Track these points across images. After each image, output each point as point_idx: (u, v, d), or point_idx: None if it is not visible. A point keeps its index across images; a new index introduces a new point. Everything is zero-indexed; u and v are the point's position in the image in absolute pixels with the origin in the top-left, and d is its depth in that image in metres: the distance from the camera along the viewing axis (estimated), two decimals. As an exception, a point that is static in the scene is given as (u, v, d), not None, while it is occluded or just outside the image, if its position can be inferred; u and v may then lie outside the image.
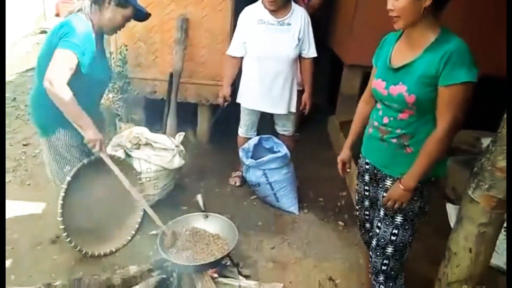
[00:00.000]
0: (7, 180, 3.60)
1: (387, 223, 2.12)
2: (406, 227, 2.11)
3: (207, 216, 2.83)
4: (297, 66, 3.52)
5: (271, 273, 2.85)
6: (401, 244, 2.13)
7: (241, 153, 3.52)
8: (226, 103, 3.56)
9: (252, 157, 3.48)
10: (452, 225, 2.31)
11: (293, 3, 3.37)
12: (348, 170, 2.47)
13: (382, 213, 2.14)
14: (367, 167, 2.25)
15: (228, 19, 4.06)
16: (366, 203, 2.35)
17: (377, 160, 2.17)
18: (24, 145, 4.30)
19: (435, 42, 1.86)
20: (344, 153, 2.43)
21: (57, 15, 10.21)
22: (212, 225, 2.81)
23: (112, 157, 2.84)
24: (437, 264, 2.26)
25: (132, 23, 2.75)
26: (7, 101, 5.25)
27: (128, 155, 3.17)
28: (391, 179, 2.10)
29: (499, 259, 2.82)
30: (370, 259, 2.27)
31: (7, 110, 5.03)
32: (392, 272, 2.21)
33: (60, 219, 2.55)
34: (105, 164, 2.72)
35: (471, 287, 2.09)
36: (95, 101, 2.82)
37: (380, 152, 2.13)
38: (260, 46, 3.31)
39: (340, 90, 4.79)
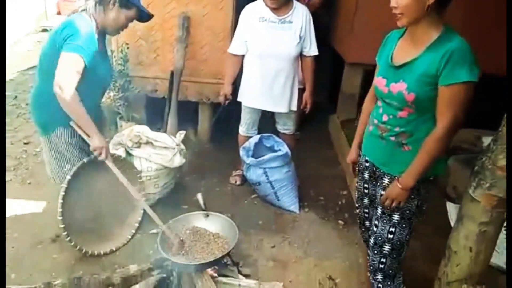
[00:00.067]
0: (7, 178, 3.60)
1: (385, 221, 2.13)
2: (403, 225, 2.10)
3: (207, 215, 2.83)
4: (298, 64, 3.51)
5: (271, 272, 2.85)
6: (398, 243, 2.13)
7: (241, 152, 3.52)
8: (227, 102, 3.56)
9: (252, 156, 3.47)
10: (452, 224, 2.31)
11: (294, 1, 3.36)
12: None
13: (379, 211, 2.14)
14: (367, 164, 2.25)
15: (229, 17, 4.05)
16: (366, 201, 2.35)
17: (376, 157, 2.17)
18: (25, 143, 4.31)
19: (437, 40, 1.86)
20: (352, 154, 2.44)
21: (59, 13, 10.21)
22: (213, 224, 2.81)
23: (112, 156, 2.85)
24: (437, 263, 2.27)
25: (134, 21, 2.75)
26: (8, 100, 5.25)
27: (128, 154, 3.17)
28: (389, 177, 2.10)
29: (499, 259, 2.82)
30: (368, 257, 2.28)
31: (8, 108, 5.04)
32: (390, 271, 2.21)
33: (60, 218, 2.55)
34: (105, 163, 2.72)
35: (471, 286, 2.09)
36: (96, 100, 2.82)
37: (379, 150, 2.13)
38: (262, 44, 3.31)
39: (341, 88, 4.78)
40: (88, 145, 2.71)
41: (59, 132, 2.62)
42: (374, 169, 2.19)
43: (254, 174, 3.44)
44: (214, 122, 4.56)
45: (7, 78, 5.96)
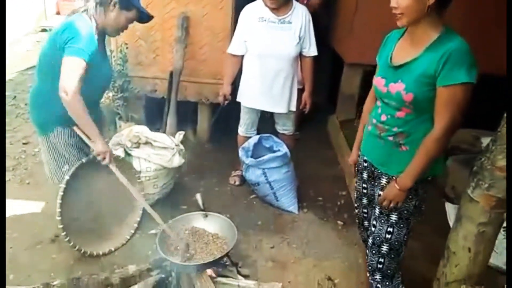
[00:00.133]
0: (6, 178, 3.60)
1: (382, 221, 2.13)
2: (401, 225, 2.11)
3: (206, 216, 2.83)
4: (298, 64, 3.51)
5: (270, 272, 2.85)
6: (396, 243, 2.13)
7: (240, 152, 3.52)
8: (226, 102, 3.56)
9: (252, 156, 3.47)
10: (451, 224, 2.31)
11: (294, 1, 3.36)
12: None
13: (377, 211, 2.14)
14: (365, 164, 2.25)
15: (228, 17, 4.05)
16: (364, 200, 2.35)
17: (374, 157, 2.18)
18: (24, 143, 4.30)
19: (436, 41, 1.86)
20: (354, 154, 2.44)
21: (58, 13, 10.21)
22: (212, 224, 2.81)
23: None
24: (436, 263, 2.27)
25: (133, 22, 2.75)
26: (7, 100, 5.25)
27: (127, 154, 3.17)
28: (387, 177, 2.10)
29: (498, 259, 2.82)
30: (367, 257, 2.28)
31: (7, 108, 5.03)
32: (389, 271, 2.21)
33: (59, 218, 2.55)
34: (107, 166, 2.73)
35: (470, 287, 2.09)
36: (96, 100, 2.82)
37: (377, 150, 2.14)
38: (261, 44, 3.31)
39: (340, 89, 4.78)
40: (87, 145, 2.71)
41: (57, 132, 2.62)
42: (373, 169, 2.19)
43: (253, 175, 3.44)
44: (213, 123, 4.56)
45: (6, 78, 5.95)
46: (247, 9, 3.38)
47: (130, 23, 2.66)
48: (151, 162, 3.16)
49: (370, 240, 2.21)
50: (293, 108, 3.54)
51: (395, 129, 2.02)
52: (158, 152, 3.21)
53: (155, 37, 4.15)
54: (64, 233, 2.59)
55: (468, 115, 2.30)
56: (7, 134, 4.35)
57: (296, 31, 3.30)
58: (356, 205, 2.47)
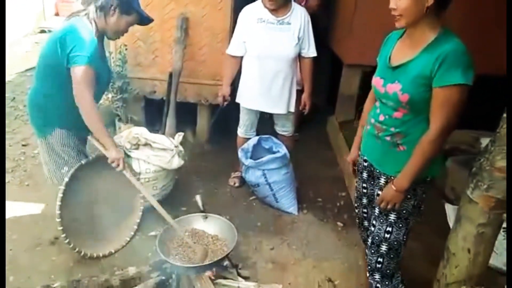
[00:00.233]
0: (6, 180, 3.59)
1: (382, 220, 2.14)
2: (400, 225, 2.11)
3: (206, 217, 2.83)
4: (297, 65, 3.52)
5: (270, 274, 2.84)
6: (395, 243, 2.14)
7: (240, 154, 3.52)
8: (225, 103, 3.56)
9: (251, 158, 3.47)
10: (451, 225, 2.31)
11: (293, 2, 3.36)
12: None
13: (377, 211, 2.15)
14: (365, 164, 2.26)
15: (228, 18, 4.05)
16: (364, 200, 2.36)
17: (373, 157, 2.19)
18: (23, 145, 4.30)
19: (433, 42, 1.86)
20: (353, 154, 2.46)
21: (57, 14, 10.21)
22: (211, 226, 2.81)
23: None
24: (436, 264, 2.27)
25: (133, 24, 2.76)
26: (6, 101, 5.24)
27: (127, 156, 3.15)
28: (385, 177, 2.11)
29: (497, 260, 2.82)
30: (366, 257, 2.28)
31: (6, 110, 5.02)
32: (388, 271, 2.22)
33: (59, 220, 2.55)
34: (103, 165, 2.72)
35: (470, 287, 2.09)
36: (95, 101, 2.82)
37: (376, 150, 2.15)
38: (260, 45, 3.31)
39: (340, 90, 4.78)
40: (85, 146, 2.72)
41: (56, 134, 2.62)
42: (372, 169, 2.20)
43: (253, 176, 3.44)
44: (212, 124, 4.56)
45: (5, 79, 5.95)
46: (246, 10, 3.38)
47: (131, 26, 2.66)
48: (150, 164, 3.16)
49: (370, 240, 2.22)
50: (292, 109, 3.55)
51: (392, 129, 2.03)
52: (157, 153, 3.21)
53: (154, 38, 4.15)
54: (63, 235, 2.59)
55: (467, 116, 2.31)
56: (6, 136, 4.34)
57: (295, 32, 3.30)
58: (356, 205, 2.48)
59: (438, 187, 3.70)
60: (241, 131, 3.69)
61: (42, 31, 9.08)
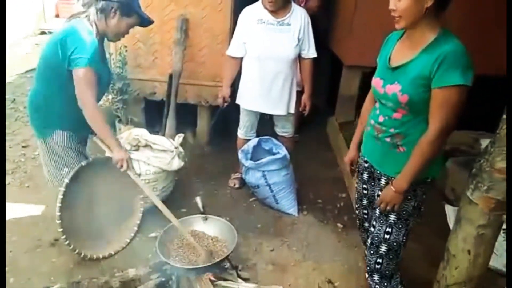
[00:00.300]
0: (6, 182, 3.59)
1: (381, 221, 2.14)
2: (400, 226, 2.11)
3: (206, 219, 2.83)
4: (297, 67, 3.52)
5: (270, 275, 2.84)
6: (394, 243, 2.14)
7: (240, 155, 3.52)
8: (225, 104, 3.56)
9: (251, 159, 3.47)
10: (451, 226, 2.31)
11: (293, 3, 3.37)
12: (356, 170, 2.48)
13: (377, 211, 2.16)
14: (366, 165, 2.26)
15: (228, 19, 4.06)
16: (365, 201, 2.36)
17: (373, 158, 2.19)
18: (23, 147, 4.30)
19: (432, 43, 1.87)
20: (351, 153, 2.46)
21: (57, 15, 10.22)
22: (211, 227, 2.81)
23: (110, 159, 2.84)
24: (436, 265, 2.27)
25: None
26: (6, 103, 5.24)
27: (127, 157, 3.16)
28: (385, 178, 2.11)
29: (498, 261, 2.82)
30: (365, 257, 2.28)
31: (6, 111, 5.02)
32: (387, 272, 2.22)
33: (59, 221, 2.54)
34: (104, 166, 2.73)
35: (470, 289, 2.09)
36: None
37: (376, 151, 2.15)
38: (260, 46, 3.31)
39: (340, 91, 4.78)
40: (85, 148, 2.72)
41: (56, 135, 2.62)
42: (372, 170, 2.21)
43: (253, 177, 3.44)
44: (212, 125, 4.56)
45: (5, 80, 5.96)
46: (246, 11, 3.38)
47: (131, 28, 2.67)
48: (150, 165, 3.16)
49: (369, 240, 2.23)
50: (292, 110, 3.55)
51: (392, 130, 2.03)
52: (157, 155, 3.21)
53: (154, 40, 4.15)
54: (63, 236, 2.58)
55: (467, 117, 2.31)
56: (6, 137, 4.34)
57: (295, 33, 3.30)
58: (356, 206, 2.48)
59: (438, 188, 3.70)
60: (241, 133, 3.69)
61: (42, 33, 9.10)
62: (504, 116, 1.87)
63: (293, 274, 2.87)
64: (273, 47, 3.29)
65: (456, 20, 2.44)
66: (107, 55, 3.30)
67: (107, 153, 2.70)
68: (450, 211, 3.45)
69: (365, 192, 2.33)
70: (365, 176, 2.29)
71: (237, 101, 3.58)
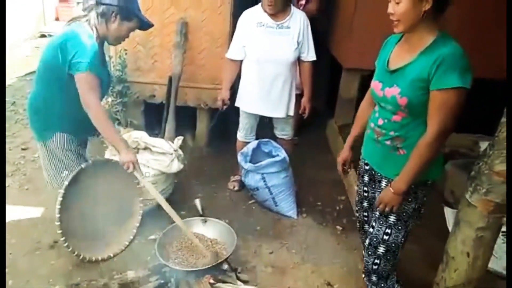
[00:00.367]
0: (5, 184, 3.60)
1: (381, 222, 2.14)
2: (399, 227, 2.12)
3: (205, 221, 2.84)
4: (296, 69, 3.52)
5: (269, 278, 2.84)
6: (393, 245, 2.15)
7: (239, 157, 3.52)
8: (224, 107, 3.56)
9: (250, 161, 3.47)
10: (450, 228, 2.31)
11: (292, 7, 3.38)
12: (348, 170, 2.49)
13: (377, 213, 2.16)
14: (367, 168, 2.27)
15: (227, 23, 4.06)
16: (365, 204, 2.37)
17: (374, 161, 2.20)
18: (23, 149, 4.30)
19: (430, 45, 1.87)
20: (344, 153, 2.46)
21: (57, 19, 10.24)
22: (211, 229, 2.82)
23: (110, 161, 2.85)
24: (436, 267, 2.28)
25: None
26: (6, 105, 5.24)
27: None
28: (386, 180, 2.12)
29: (497, 264, 2.82)
30: (363, 258, 2.29)
31: (6, 114, 5.02)
32: (384, 272, 2.23)
33: (58, 223, 2.54)
34: (103, 169, 2.73)
35: (469, 291, 2.10)
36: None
37: (376, 153, 2.16)
38: (260, 49, 3.32)
39: (339, 93, 4.79)
40: (85, 150, 2.72)
41: (56, 138, 2.63)
42: (373, 172, 2.21)
43: (252, 180, 3.44)
44: (212, 128, 4.56)
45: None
46: (246, 14, 3.39)
47: (132, 32, 2.67)
48: (149, 168, 3.16)
49: (367, 241, 2.23)
50: (292, 112, 3.55)
51: (391, 133, 2.03)
52: (156, 157, 3.21)
53: (154, 43, 4.15)
54: (63, 238, 2.58)
55: (467, 120, 2.32)
56: (6, 140, 4.34)
57: (294, 36, 3.31)
58: (357, 208, 2.48)
59: (437, 190, 3.70)
60: (240, 135, 3.69)
61: (42, 36, 9.11)
62: (503, 119, 1.88)
63: (292, 276, 2.87)
64: (273, 50, 3.30)
65: (455, 23, 2.44)
66: (107, 58, 3.31)
67: (107, 155, 2.69)
68: (449, 214, 3.45)
69: (365, 194, 2.34)
70: (366, 178, 2.29)
71: (236, 104, 3.58)
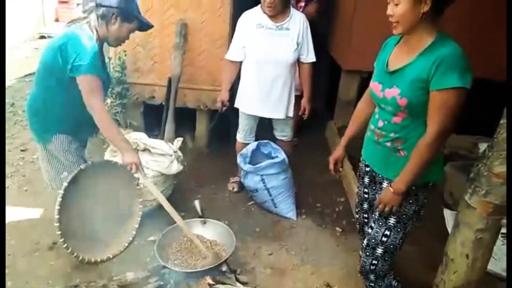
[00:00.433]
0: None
1: (380, 223, 2.15)
2: (398, 229, 2.12)
3: (204, 222, 2.84)
4: (296, 71, 3.53)
5: (269, 279, 2.84)
6: (391, 246, 2.15)
7: (239, 159, 3.52)
8: (224, 108, 3.56)
9: (250, 163, 3.48)
10: (449, 230, 2.31)
11: (292, 8, 3.38)
12: (340, 170, 2.48)
13: (377, 214, 2.16)
14: (367, 169, 2.27)
15: (226, 24, 4.07)
16: (365, 206, 2.37)
17: (374, 163, 2.20)
18: (22, 150, 4.30)
19: (430, 46, 1.88)
20: (337, 152, 2.47)
21: (57, 20, 10.24)
22: (210, 231, 2.82)
23: (109, 162, 2.85)
24: (435, 269, 2.27)
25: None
26: (5, 107, 5.24)
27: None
28: (388, 182, 2.12)
29: (496, 265, 2.82)
30: (360, 258, 2.29)
31: (6, 115, 5.02)
32: (381, 272, 2.24)
33: (57, 225, 2.54)
34: (103, 170, 2.73)
35: (469, 293, 2.10)
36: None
37: (376, 155, 2.16)
38: (259, 50, 3.32)
39: (338, 95, 4.79)
40: (84, 151, 2.72)
41: (56, 139, 2.63)
42: (374, 174, 2.21)
43: (252, 181, 3.44)
44: (211, 129, 4.56)
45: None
46: (245, 15, 3.40)
47: (132, 33, 2.68)
48: (149, 169, 3.16)
49: (365, 242, 2.24)
50: (291, 114, 3.55)
51: (392, 135, 2.03)
52: (156, 158, 3.21)
53: (154, 44, 4.16)
54: (62, 239, 2.58)
55: (466, 121, 2.32)
56: (5, 141, 4.34)
57: (294, 37, 3.31)
58: (357, 210, 2.48)
59: (437, 192, 3.70)
60: (240, 136, 3.69)
61: (42, 37, 9.10)
62: (502, 121, 1.88)
63: (292, 278, 2.87)
64: (272, 51, 3.30)
65: (454, 23, 2.45)
66: (106, 60, 3.31)
67: (106, 156, 2.69)
68: (448, 215, 3.45)
69: (366, 196, 2.34)
70: (366, 180, 2.29)
71: (236, 105, 3.58)
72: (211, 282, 2.46)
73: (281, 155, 3.46)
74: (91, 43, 2.44)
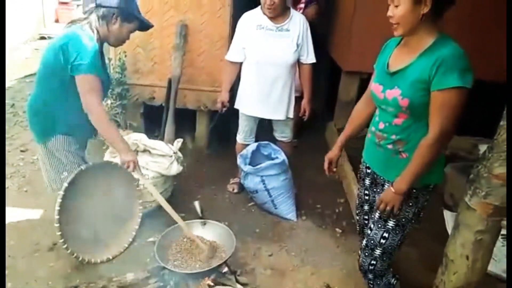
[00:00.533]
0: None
1: (379, 225, 2.15)
2: (397, 231, 2.13)
3: (204, 223, 2.84)
4: (296, 72, 3.53)
5: (269, 280, 2.83)
6: (389, 248, 2.16)
7: (239, 160, 3.52)
8: (224, 109, 3.56)
9: (250, 164, 3.48)
10: (449, 231, 2.31)
11: (292, 10, 3.39)
12: (334, 170, 2.47)
13: (377, 215, 2.16)
14: (368, 171, 2.27)
15: (226, 25, 4.07)
16: (366, 207, 2.37)
17: (376, 165, 2.19)
18: (22, 151, 4.30)
19: (430, 47, 1.88)
20: (333, 152, 2.45)
21: (57, 21, 10.25)
22: (210, 232, 2.81)
23: (109, 163, 2.85)
24: (435, 270, 2.27)
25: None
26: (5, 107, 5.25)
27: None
28: (389, 184, 2.11)
29: (496, 267, 2.82)
30: (359, 257, 2.29)
31: (6, 116, 5.02)
32: (380, 272, 2.25)
33: (57, 225, 2.54)
34: (103, 171, 2.73)
35: (468, 294, 2.09)
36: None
37: (378, 157, 2.16)
38: (259, 51, 3.32)
39: (338, 96, 4.79)
40: (85, 152, 2.72)
41: (56, 140, 2.63)
42: (375, 176, 2.21)
43: (252, 182, 3.44)
44: (211, 130, 4.56)
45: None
46: (245, 16, 3.40)
47: (132, 33, 2.68)
48: (149, 170, 3.16)
49: (364, 242, 2.24)
50: (291, 115, 3.55)
51: (393, 137, 2.03)
52: (156, 159, 3.21)
53: (154, 45, 4.16)
54: (62, 240, 2.58)
55: (466, 122, 2.31)
56: (5, 142, 4.34)
57: (294, 38, 3.31)
58: (357, 211, 2.49)
59: (437, 193, 3.70)
60: (240, 137, 3.69)
61: (42, 38, 9.12)
62: (502, 123, 1.88)
63: (292, 279, 2.87)
64: (272, 52, 3.30)
65: (454, 24, 2.45)
66: (106, 61, 3.31)
67: (106, 157, 2.69)
68: (448, 217, 3.45)
69: (366, 198, 2.33)
70: (367, 182, 2.29)
71: (236, 106, 3.58)
72: (211, 283, 2.46)
73: (281, 156, 3.46)
74: (92, 43, 2.45)
